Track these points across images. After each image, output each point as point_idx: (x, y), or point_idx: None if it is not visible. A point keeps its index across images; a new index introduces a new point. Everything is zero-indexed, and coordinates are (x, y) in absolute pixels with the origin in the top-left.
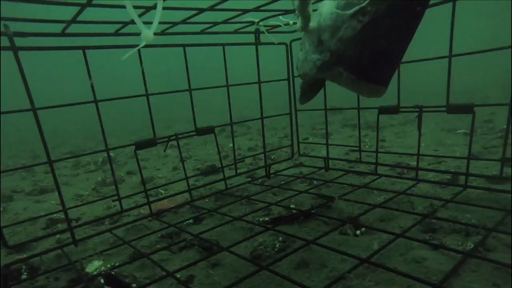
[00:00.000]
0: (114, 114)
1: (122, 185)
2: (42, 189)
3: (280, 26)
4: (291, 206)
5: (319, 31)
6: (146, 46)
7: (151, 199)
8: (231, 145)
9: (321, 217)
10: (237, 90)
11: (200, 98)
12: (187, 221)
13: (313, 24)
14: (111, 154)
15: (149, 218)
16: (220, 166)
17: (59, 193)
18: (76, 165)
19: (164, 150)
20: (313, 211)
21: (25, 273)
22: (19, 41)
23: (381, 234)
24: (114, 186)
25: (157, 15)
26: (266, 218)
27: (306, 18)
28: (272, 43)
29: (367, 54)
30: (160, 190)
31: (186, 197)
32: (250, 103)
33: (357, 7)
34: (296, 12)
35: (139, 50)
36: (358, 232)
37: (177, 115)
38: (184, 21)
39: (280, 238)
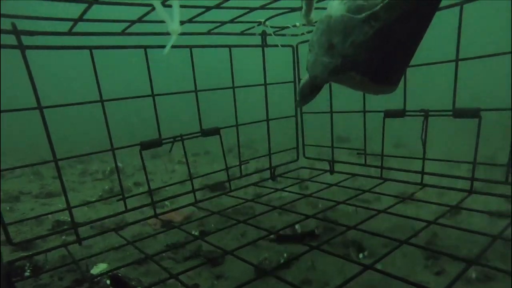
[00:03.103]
0: (121, 120)
1: (130, 195)
2: (49, 192)
3: (288, 27)
4: (296, 227)
5: (329, 34)
6: (152, 47)
7: (157, 210)
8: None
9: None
10: (243, 97)
11: (206, 102)
12: (193, 233)
13: (321, 17)
14: (119, 164)
15: (155, 228)
16: (230, 186)
17: (64, 192)
18: (83, 172)
19: (170, 151)
20: (317, 233)
21: (29, 271)
22: (26, 40)
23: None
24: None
25: (175, 9)
26: (272, 236)
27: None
28: (279, 46)
29: (380, 58)
30: (166, 203)
31: (192, 209)
32: (256, 113)
33: (369, 12)
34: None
35: (145, 51)
36: (360, 255)
37: (183, 118)
38: (190, 20)
39: (285, 255)
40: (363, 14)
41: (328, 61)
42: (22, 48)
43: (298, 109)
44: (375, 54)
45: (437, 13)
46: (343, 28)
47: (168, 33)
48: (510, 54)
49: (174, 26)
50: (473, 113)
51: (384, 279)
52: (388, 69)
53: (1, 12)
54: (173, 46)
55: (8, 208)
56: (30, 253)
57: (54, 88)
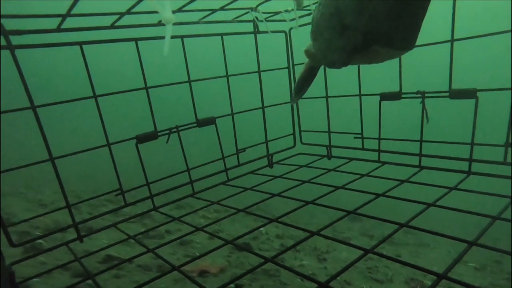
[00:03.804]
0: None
1: (162, 241)
2: (89, 227)
3: (280, 12)
4: None
5: (340, 16)
6: (143, 39)
7: (187, 260)
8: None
9: None
10: (238, 87)
11: (200, 94)
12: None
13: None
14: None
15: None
16: (255, 248)
17: (62, 188)
18: (117, 214)
19: (167, 142)
20: None
21: None
22: (14, 40)
23: None
24: (158, 239)
25: None
26: None
27: None
28: (273, 31)
29: (402, 24)
30: (196, 253)
31: (225, 263)
32: (252, 102)
33: None
34: None
35: (136, 43)
36: None
37: (178, 111)
38: (180, 9)
39: None
40: None
41: (345, 43)
42: (11, 48)
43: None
44: (396, 21)
45: None
46: (357, 6)
47: (158, 24)
48: (510, 33)
49: (167, 14)
50: (470, 94)
51: None
52: (410, 33)
53: None
54: (164, 37)
55: (60, 236)
56: (32, 253)
57: (50, 88)
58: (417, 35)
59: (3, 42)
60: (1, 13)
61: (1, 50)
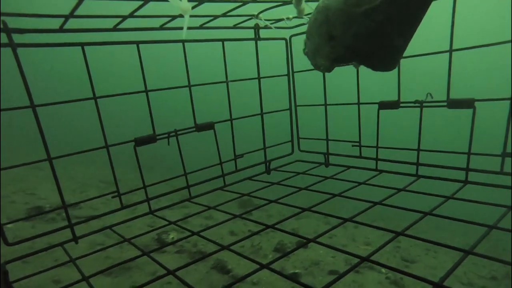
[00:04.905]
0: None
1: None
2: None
3: (282, 20)
4: None
5: (328, 26)
6: (144, 42)
7: None
8: None
9: None
10: (237, 96)
11: (200, 99)
12: None
13: (317, 7)
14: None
15: None
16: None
17: (58, 188)
18: (157, 239)
19: (168, 144)
20: None
21: None
22: (16, 38)
23: None
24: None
25: None
26: None
27: None
28: (274, 39)
29: (383, 47)
30: None
31: None
32: (251, 108)
33: (368, 6)
34: None
35: (138, 46)
36: None
37: (178, 115)
38: (182, 14)
39: None
40: (363, 8)
41: (329, 51)
42: (13, 46)
43: (293, 102)
44: (378, 44)
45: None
46: (344, 21)
47: (160, 28)
48: (510, 43)
49: (183, 5)
50: (468, 104)
51: None
52: (390, 57)
53: None
54: (166, 41)
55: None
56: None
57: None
58: (396, 61)
59: (5, 40)
60: (5, 11)
61: (3, 48)
